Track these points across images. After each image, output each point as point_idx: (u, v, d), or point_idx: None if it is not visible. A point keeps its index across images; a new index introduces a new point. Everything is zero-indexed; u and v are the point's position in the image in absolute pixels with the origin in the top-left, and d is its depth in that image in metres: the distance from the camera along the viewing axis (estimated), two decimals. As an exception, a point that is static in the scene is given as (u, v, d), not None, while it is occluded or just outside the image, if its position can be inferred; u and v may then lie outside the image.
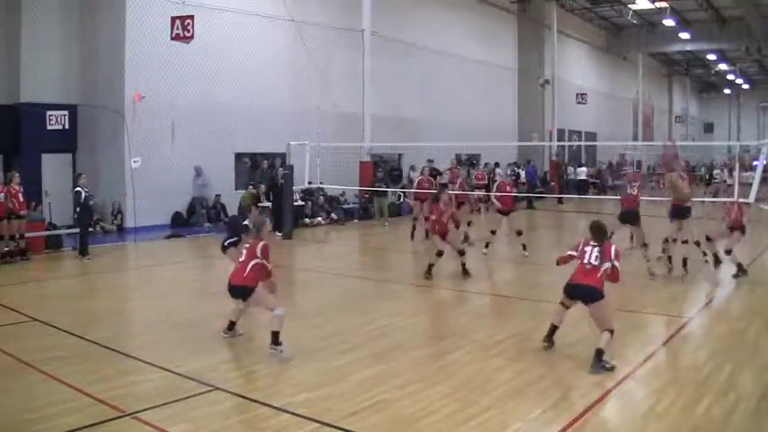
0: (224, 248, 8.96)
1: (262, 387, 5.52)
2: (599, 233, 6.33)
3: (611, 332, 5.99)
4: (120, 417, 4.88)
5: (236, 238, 8.78)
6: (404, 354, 6.49)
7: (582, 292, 6.22)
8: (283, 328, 6.34)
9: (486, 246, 12.67)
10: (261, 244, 6.56)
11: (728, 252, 10.44)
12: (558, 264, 6.83)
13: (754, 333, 7.25)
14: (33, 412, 4.98)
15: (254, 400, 5.21)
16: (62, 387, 5.48)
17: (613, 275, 6.17)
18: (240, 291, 6.50)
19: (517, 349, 6.70)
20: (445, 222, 10.36)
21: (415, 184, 16.28)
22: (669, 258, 10.56)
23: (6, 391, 5.41)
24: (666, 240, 10.81)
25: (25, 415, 4.94)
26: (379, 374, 5.85)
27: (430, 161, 20.39)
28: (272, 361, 6.22)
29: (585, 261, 6.26)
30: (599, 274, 6.14)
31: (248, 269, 6.44)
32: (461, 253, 10.45)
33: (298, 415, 4.92)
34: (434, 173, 20.67)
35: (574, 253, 6.51)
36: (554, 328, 6.54)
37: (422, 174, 16.44)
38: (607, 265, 6.14)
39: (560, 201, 25.00)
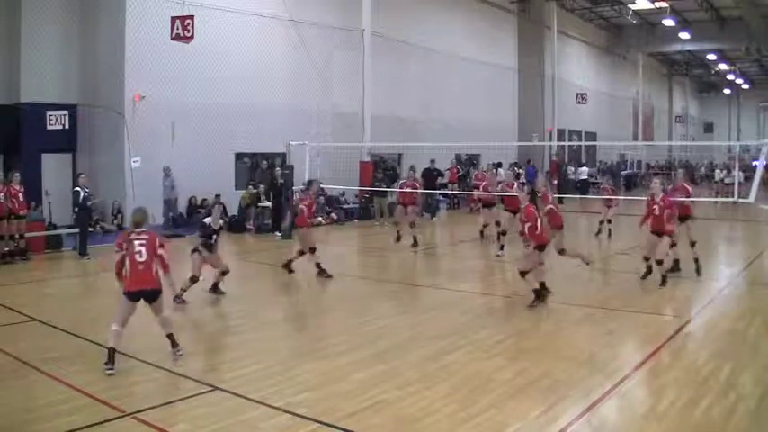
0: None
1: (262, 387, 5.52)
2: None
3: None
4: (120, 417, 4.88)
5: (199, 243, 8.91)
6: (404, 354, 6.49)
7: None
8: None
9: (501, 248, 12.44)
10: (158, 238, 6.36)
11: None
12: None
13: (754, 333, 7.25)
14: (33, 412, 4.98)
15: (254, 400, 5.21)
16: (62, 387, 5.48)
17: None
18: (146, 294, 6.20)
19: (517, 349, 6.71)
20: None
21: (398, 186, 15.51)
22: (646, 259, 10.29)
23: (6, 391, 5.42)
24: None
25: (25, 415, 4.95)
26: (379, 374, 5.85)
27: (432, 161, 20.42)
28: (272, 361, 6.22)
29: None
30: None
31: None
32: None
33: (298, 415, 4.92)
34: (436, 173, 20.71)
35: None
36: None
37: (408, 177, 15.34)
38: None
39: (560, 201, 24.99)
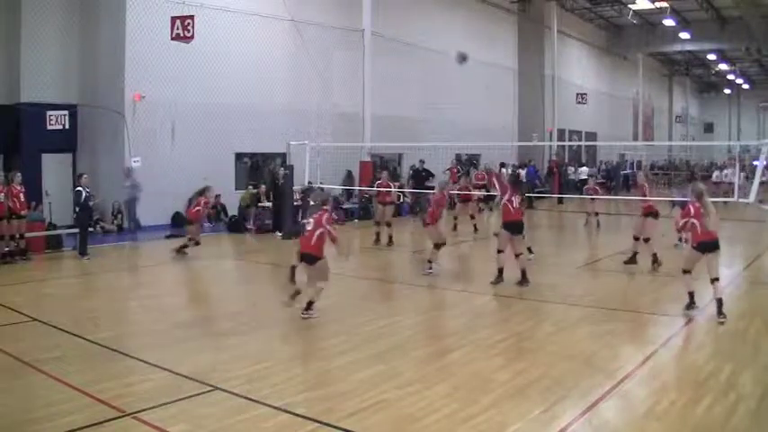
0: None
1: (262, 387, 5.52)
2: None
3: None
4: (120, 417, 4.88)
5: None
6: (404, 354, 6.49)
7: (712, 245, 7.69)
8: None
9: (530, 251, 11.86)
10: (325, 215, 7.80)
11: (646, 240, 11.00)
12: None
13: (754, 333, 7.25)
14: (33, 412, 4.98)
15: (254, 400, 5.21)
16: (62, 387, 5.47)
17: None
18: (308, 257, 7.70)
19: (517, 349, 6.71)
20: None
21: (376, 186, 15.45)
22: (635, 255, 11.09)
23: (6, 391, 5.41)
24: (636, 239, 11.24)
25: (25, 415, 4.94)
26: (379, 374, 5.85)
27: (421, 161, 20.42)
28: (272, 361, 6.22)
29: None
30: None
31: (314, 238, 7.66)
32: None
33: (298, 415, 4.92)
34: (425, 173, 20.68)
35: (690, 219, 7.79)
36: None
37: (382, 177, 15.29)
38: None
39: (560, 201, 25.00)
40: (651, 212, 11.23)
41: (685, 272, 8.00)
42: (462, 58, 15.69)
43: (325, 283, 7.86)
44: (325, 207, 8.05)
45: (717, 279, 7.65)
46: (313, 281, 7.84)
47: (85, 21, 16.47)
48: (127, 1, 15.65)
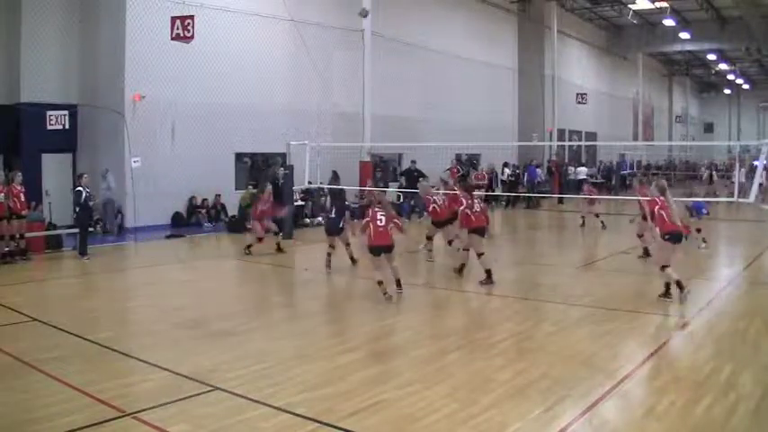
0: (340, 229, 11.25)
1: (262, 387, 5.52)
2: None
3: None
4: (120, 417, 4.88)
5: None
6: (404, 354, 6.49)
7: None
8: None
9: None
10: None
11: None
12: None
13: (754, 333, 7.25)
14: (33, 412, 4.98)
15: (254, 400, 5.21)
16: (62, 387, 5.48)
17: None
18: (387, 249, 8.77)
19: (517, 349, 6.70)
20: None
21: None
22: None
23: (6, 391, 5.41)
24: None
25: (25, 415, 4.94)
26: (379, 374, 5.85)
27: (413, 162, 20.41)
28: (272, 361, 6.23)
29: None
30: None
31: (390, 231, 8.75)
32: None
33: (298, 415, 4.92)
34: (417, 174, 20.63)
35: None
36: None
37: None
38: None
39: (560, 201, 25.01)
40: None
41: (665, 267, 8.43)
42: (364, 13, 17.81)
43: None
44: (380, 204, 9.24)
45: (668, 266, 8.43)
46: (391, 263, 9.01)
47: (85, 21, 16.47)
48: (127, 1, 15.65)
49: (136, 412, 4.94)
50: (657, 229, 8.63)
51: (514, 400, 5.24)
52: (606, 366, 6.03)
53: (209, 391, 5.40)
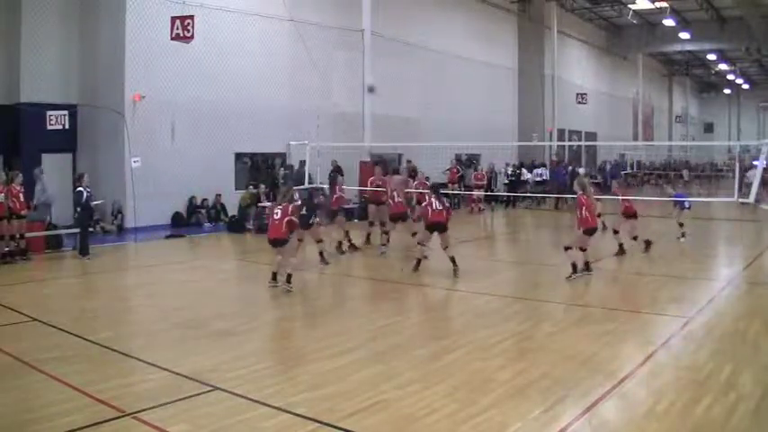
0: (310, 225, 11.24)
1: (262, 387, 5.52)
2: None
3: None
4: (120, 417, 4.88)
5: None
6: (404, 354, 6.48)
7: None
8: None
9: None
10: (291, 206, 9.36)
11: (635, 238, 12.31)
12: None
13: (754, 333, 7.24)
14: (33, 412, 4.98)
15: (254, 400, 5.21)
16: (62, 387, 5.47)
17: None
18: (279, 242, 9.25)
19: (517, 349, 6.70)
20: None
21: (369, 184, 14.54)
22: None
23: (6, 391, 5.41)
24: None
25: (25, 415, 4.94)
26: (379, 374, 5.84)
27: (409, 161, 20.41)
28: (271, 361, 6.23)
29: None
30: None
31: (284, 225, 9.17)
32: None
33: (298, 415, 4.92)
34: (412, 174, 20.61)
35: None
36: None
37: (375, 173, 14.62)
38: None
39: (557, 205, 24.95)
40: (630, 214, 12.45)
41: (582, 249, 10.07)
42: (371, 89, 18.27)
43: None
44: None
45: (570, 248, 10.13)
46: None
47: (85, 21, 16.47)
48: (127, 1, 15.65)
49: (136, 412, 4.94)
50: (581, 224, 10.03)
51: (514, 400, 5.24)
52: (606, 366, 6.03)
53: (209, 391, 5.40)
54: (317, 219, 11.79)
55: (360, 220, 19.07)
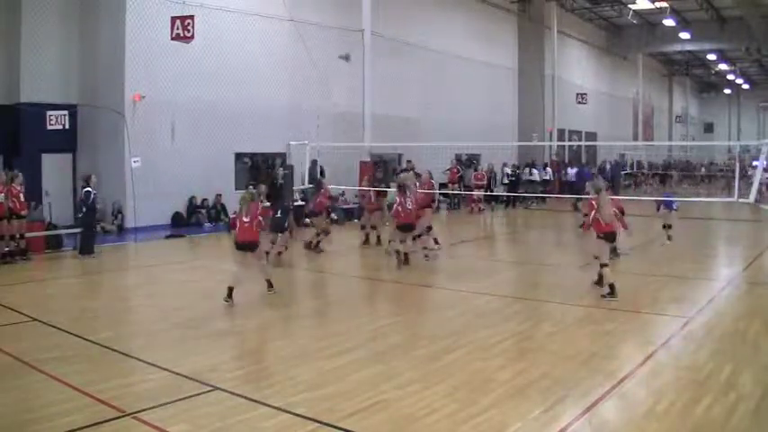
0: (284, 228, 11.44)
1: (262, 387, 5.52)
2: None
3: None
4: (120, 417, 4.88)
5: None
6: (404, 354, 6.49)
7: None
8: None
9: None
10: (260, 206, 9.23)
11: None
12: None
13: (754, 333, 7.25)
14: (33, 412, 4.98)
15: (254, 400, 5.21)
16: (62, 387, 5.48)
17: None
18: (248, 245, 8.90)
19: (517, 349, 6.71)
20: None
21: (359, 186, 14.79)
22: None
23: (6, 391, 5.41)
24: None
25: (25, 415, 4.94)
26: (379, 374, 5.84)
27: (409, 161, 20.40)
28: (272, 361, 6.23)
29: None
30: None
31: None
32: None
33: (298, 415, 4.92)
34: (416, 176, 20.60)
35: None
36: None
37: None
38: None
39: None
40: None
41: (604, 266, 8.90)
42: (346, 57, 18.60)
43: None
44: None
45: (606, 265, 8.92)
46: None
47: (85, 21, 16.46)
48: (127, 1, 15.65)
49: (136, 412, 4.94)
50: (594, 230, 9.14)
51: (514, 400, 5.24)
52: (606, 366, 6.03)
53: (209, 391, 5.40)
54: (289, 222, 11.85)
55: (360, 220, 19.11)
